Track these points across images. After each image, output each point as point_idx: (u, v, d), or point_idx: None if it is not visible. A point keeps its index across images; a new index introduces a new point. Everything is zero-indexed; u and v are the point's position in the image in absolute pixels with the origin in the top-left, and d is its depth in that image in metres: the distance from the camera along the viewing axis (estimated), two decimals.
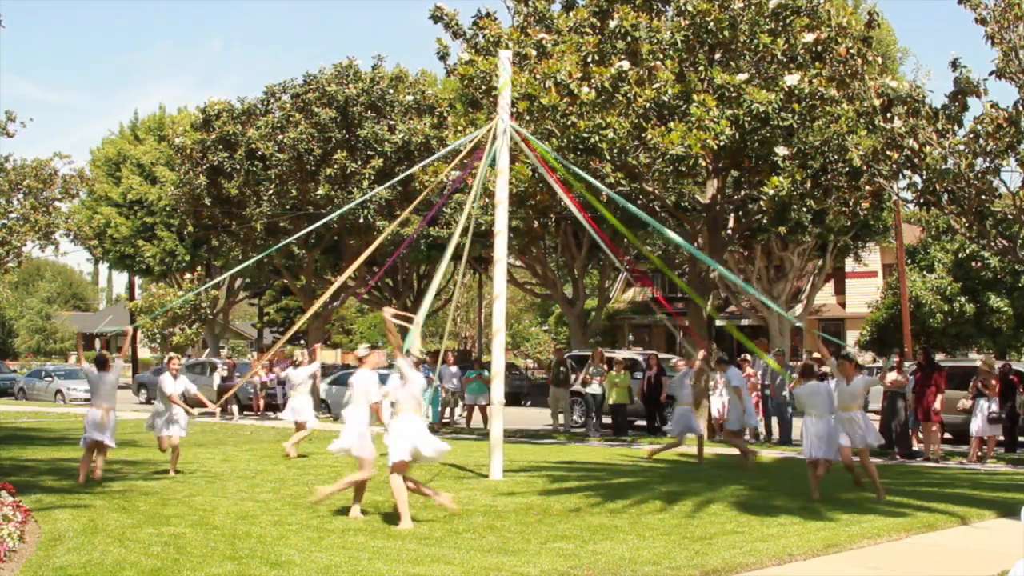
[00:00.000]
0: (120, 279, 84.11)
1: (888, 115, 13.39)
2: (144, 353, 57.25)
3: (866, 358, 34.18)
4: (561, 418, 22.30)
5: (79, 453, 16.21)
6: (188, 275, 40.25)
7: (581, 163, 17.22)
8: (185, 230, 31.50)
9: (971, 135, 12.88)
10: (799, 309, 34.55)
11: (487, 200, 22.25)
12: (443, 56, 20.99)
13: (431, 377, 23.01)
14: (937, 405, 16.55)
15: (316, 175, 26.34)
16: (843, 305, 42.11)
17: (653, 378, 21.81)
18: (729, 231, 21.88)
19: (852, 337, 38.63)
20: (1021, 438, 18.15)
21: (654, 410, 21.98)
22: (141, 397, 35.11)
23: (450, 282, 41.37)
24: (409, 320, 11.78)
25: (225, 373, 28.69)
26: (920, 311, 29.76)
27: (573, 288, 31.14)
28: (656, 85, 16.86)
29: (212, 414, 23.41)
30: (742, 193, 20.09)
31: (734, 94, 16.90)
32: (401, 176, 19.38)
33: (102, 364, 12.73)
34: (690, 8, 17.13)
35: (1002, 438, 17.01)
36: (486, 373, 19.87)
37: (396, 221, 16.45)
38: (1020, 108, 12.52)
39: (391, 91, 27.29)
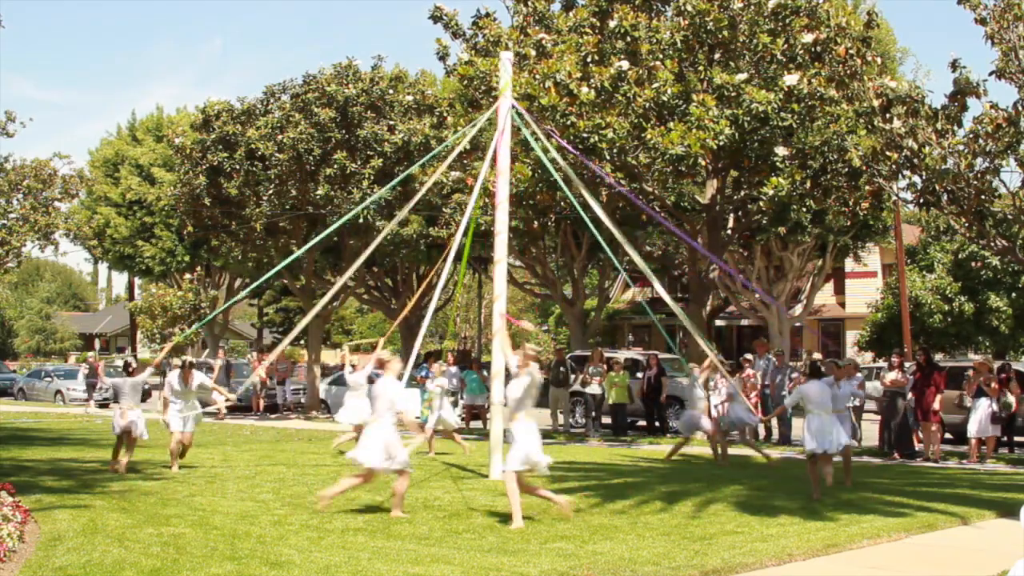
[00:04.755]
0: (120, 279, 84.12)
1: (887, 115, 13.38)
2: (144, 354, 57.22)
3: (866, 358, 34.20)
4: (561, 418, 22.30)
5: (79, 453, 16.27)
6: (188, 275, 40.22)
7: (581, 163, 17.23)
8: (184, 230, 31.46)
9: (971, 135, 12.87)
10: (799, 309, 34.53)
11: (487, 200, 22.24)
12: (443, 56, 21.00)
13: (431, 377, 23.01)
14: (936, 405, 16.56)
15: (316, 175, 26.33)
16: (843, 305, 42.09)
17: (653, 378, 21.82)
18: (729, 231, 21.88)
19: (852, 337, 38.62)
20: (1018, 438, 18.19)
21: (654, 410, 21.98)
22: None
23: (449, 282, 41.38)
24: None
25: (87, 371, 31.40)
26: (920, 311, 29.74)
27: (573, 288, 31.13)
28: (656, 85, 16.87)
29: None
30: (742, 193, 20.09)
31: (733, 94, 16.91)
32: (402, 177, 19.36)
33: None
34: (690, 8, 17.14)
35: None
36: (485, 373, 19.86)
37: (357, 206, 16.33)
38: (1020, 108, 12.51)
39: (391, 91, 27.28)
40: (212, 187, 27.51)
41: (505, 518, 9.90)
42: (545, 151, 17.33)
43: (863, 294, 38.11)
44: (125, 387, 14.16)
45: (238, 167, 26.70)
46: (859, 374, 19.56)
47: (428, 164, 20.35)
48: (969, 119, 13.05)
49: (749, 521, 9.74)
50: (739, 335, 41.44)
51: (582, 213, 15.60)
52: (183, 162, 28.38)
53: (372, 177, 25.91)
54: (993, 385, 16.21)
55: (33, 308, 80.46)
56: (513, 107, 13.67)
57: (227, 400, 14.73)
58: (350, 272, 15.50)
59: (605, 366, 21.63)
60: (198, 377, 14.20)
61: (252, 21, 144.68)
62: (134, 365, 14.83)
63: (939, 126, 13.04)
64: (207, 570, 7.33)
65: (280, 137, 26.11)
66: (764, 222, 23.28)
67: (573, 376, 22.49)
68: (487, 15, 19.99)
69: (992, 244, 14.11)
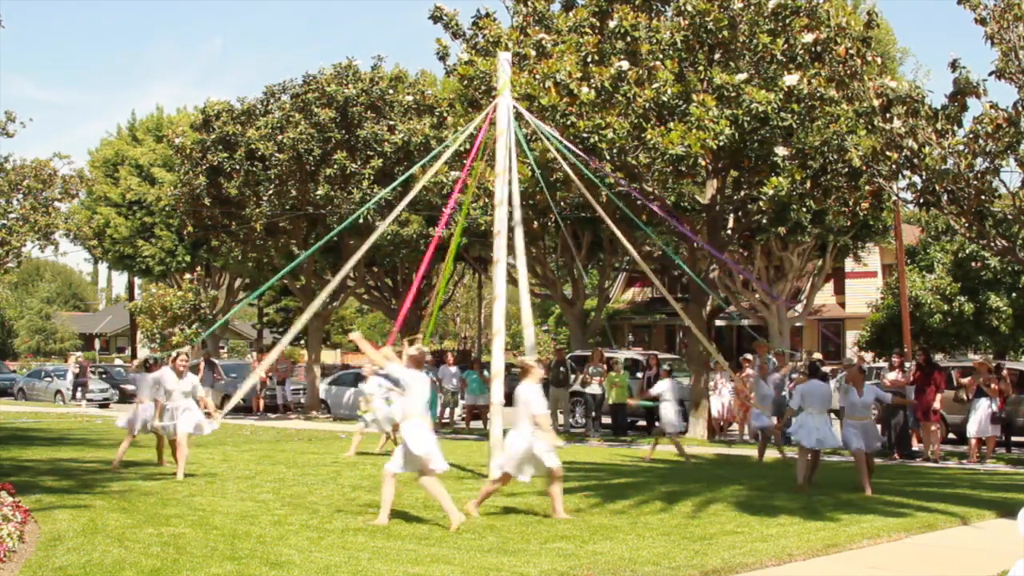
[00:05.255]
0: (120, 279, 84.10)
1: (887, 115, 13.38)
2: (144, 353, 57.18)
3: (866, 358, 34.19)
4: (561, 418, 22.30)
5: (79, 453, 16.27)
6: (188, 275, 40.22)
7: (580, 163, 17.23)
8: (184, 230, 31.47)
9: (971, 135, 12.88)
10: (799, 309, 34.52)
11: (487, 200, 22.21)
12: (443, 56, 20.99)
13: (431, 378, 23.04)
14: (936, 404, 16.58)
15: (316, 175, 26.34)
16: (843, 305, 42.10)
17: (653, 378, 21.81)
18: (729, 231, 21.87)
19: (852, 337, 38.61)
20: (1017, 438, 18.21)
21: (654, 410, 21.97)
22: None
23: (449, 282, 41.38)
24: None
25: (77, 370, 32.21)
26: (920, 311, 29.73)
27: (573, 288, 31.14)
28: (656, 85, 16.86)
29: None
30: (742, 193, 20.09)
31: (733, 94, 16.90)
32: (403, 177, 19.35)
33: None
34: (690, 8, 17.13)
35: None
36: (486, 373, 19.86)
37: (363, 207, 16.28)
38: (1020, 108, 12.51)
39: (391, 91, 27.29)
40: (212, 187, 27.50)
41: (505, 518, 9.91)
42: (544, 151, 17.32)
43: (863, 294, 38.09)
44: (143, 383, 14.10)
45: (238, 167, 26.69)
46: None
47: (430, 164, 20.32)
48: (969, 119, 13.07)
49: (749, 521, 9.74)
50: (739, 335, 41.42)
51: (559, 219, 15.65)
52: (183, 162, 28.38)
53: (372, 177, 25.91)
54: (993, 386, 16.22)
55: (33, 308, 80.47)
56: (513, 107, 13.67)
57: (210, 415, 13.95)
58: (346, 269, 15.43)
59: (605, 366, 21.63)
60: (191, 377, 13.34)
61: (252, 21, 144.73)
62: (152, 362, 14.72)
63: (939, 126, 13.04)
64: (207, 570, 7.33)
65: (280, 137, 26.11)
66: (764, 222, 23.29)
67: (573, 376, 22.49)
68: (487, 15, 19.97)
69: (992, 244, 14.11)
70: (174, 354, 13.69)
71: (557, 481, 9.98)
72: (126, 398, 35.59)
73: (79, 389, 31.77)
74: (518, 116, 13.89)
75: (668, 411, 16.22)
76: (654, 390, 16.71)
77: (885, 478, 13.61)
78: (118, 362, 52.05)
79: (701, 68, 17.80)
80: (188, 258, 39.37)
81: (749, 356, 20.67)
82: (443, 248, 29.66)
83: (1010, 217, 13.38)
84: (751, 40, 17.32)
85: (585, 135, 16.63)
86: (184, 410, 13.14)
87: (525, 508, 10.53)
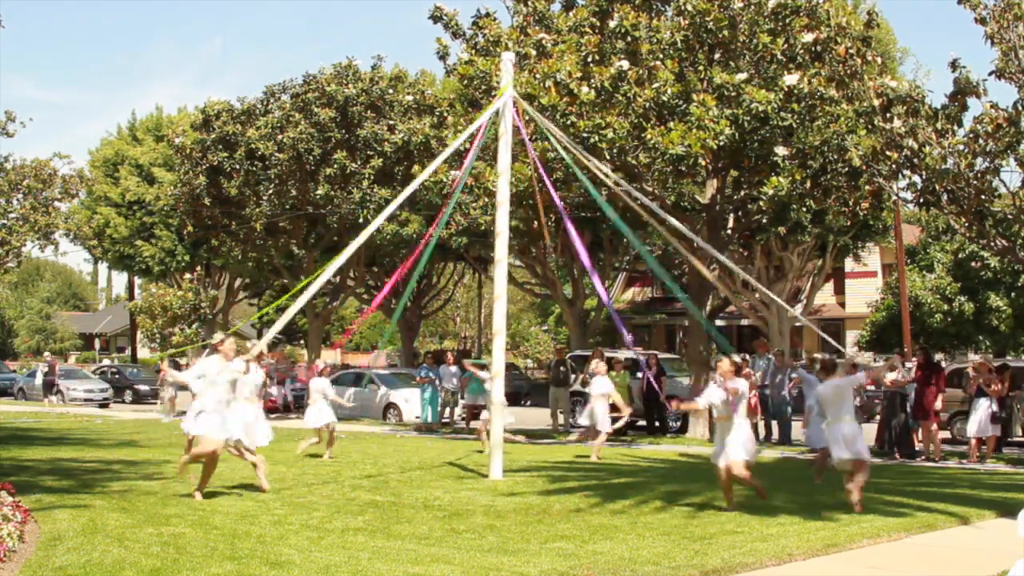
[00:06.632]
0: (120, 279, 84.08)
1: (887, 115, 13.38)
2: (143, 353, 57.23)
3: (866, 357, 34.19)
4: (561, 418, 22.28)
5: (79, 453, 16.26)
6: (188, 275, 40.25)
7: (581, 163, 17.24)
8: (184, 230, 31.47)
9: (971, 135, 12.88)
10: (799, 309, 34.52)
11: (487, 200, 22.20)
12: (443, 56, 20.99)
13: (431, 377, 23.02)
14: (938, 404, 16.58)
15: (316, 175, 26.36)
16: (843, 305, 42.10)
17: (653, 378, 21.79)
18: (729, 231, 21.86)
19: (852, 337, 38.62)
20: (1017, 438, 18.20)
21: (654, 410, 21.97)
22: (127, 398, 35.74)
23: (450, 281, 41.42)
24: None
25: (46, 369, 32.43)
26: (920, 311, 29.75)
27: (573, 288, 31.13)
28: (656, 85, 16.86)
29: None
30: (742, 193, 20.08)
31: (733, 94, 16.90)
32: (415, 183, 19.34)
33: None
34: (690, 8, 17.13)
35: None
36: (482, 373, 19.83)
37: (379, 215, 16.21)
38: (1020, 108, 12.51)
39: (391, 91, 27.31)
40: (212, 187, 27.52)
41: (505, 518, 9.91)
42: (544, 151, 17.32)
43: (863, 294, 38.11)
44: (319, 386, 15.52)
45: (238, 167, 26.71)
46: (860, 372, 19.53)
47: (432, 166, 20.28)
48: (969, 119, 13.06)
49: (749, 521, 9.74)
50: (739, 335, 41.43)
51: (520, 237, 15.61)
52: (183, 162, 28.39)
53: (372, 177, 25.91)
54: (993, 386, 16.21)
55: (33, 308, 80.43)
56: (516, 106, 13.67)
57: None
58: (340, 261, 15.38)
59: (605, 366, 21.60)
60: (238, 363, 11.03)
61: (252, 21, 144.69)
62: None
63: (939, 126, 13.04)
64: (207, 570, 7.33)
65: (280, 137, 26.13)
66: (764, 222, 23.28)
67: (573, 376, 22.46)
68: (487, 15, 19.97)
69: (992, 244, 14.11)
70: (219, 337, 11.47)
71: (862, 472, 10.57)
72: (140, 398, 35.74)
73: (47, 389, 31.91)
74: (525, 113, 13.89)
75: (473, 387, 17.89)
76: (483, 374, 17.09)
77: (885, 478, 13.61)
78: (106, 362, 51.94)
79: (701, 68, 17.80)
80: (188, 258, 39.37)
81: (747, 357, 20.65)
82: (440, 247, 29.89)
83: (1010, 217, 13.38)
84: (751, 40, 17.32)
85: (585, 135, 16.63)
86: (229, 407, 11.22)
87: (524, 508, 10.54)
